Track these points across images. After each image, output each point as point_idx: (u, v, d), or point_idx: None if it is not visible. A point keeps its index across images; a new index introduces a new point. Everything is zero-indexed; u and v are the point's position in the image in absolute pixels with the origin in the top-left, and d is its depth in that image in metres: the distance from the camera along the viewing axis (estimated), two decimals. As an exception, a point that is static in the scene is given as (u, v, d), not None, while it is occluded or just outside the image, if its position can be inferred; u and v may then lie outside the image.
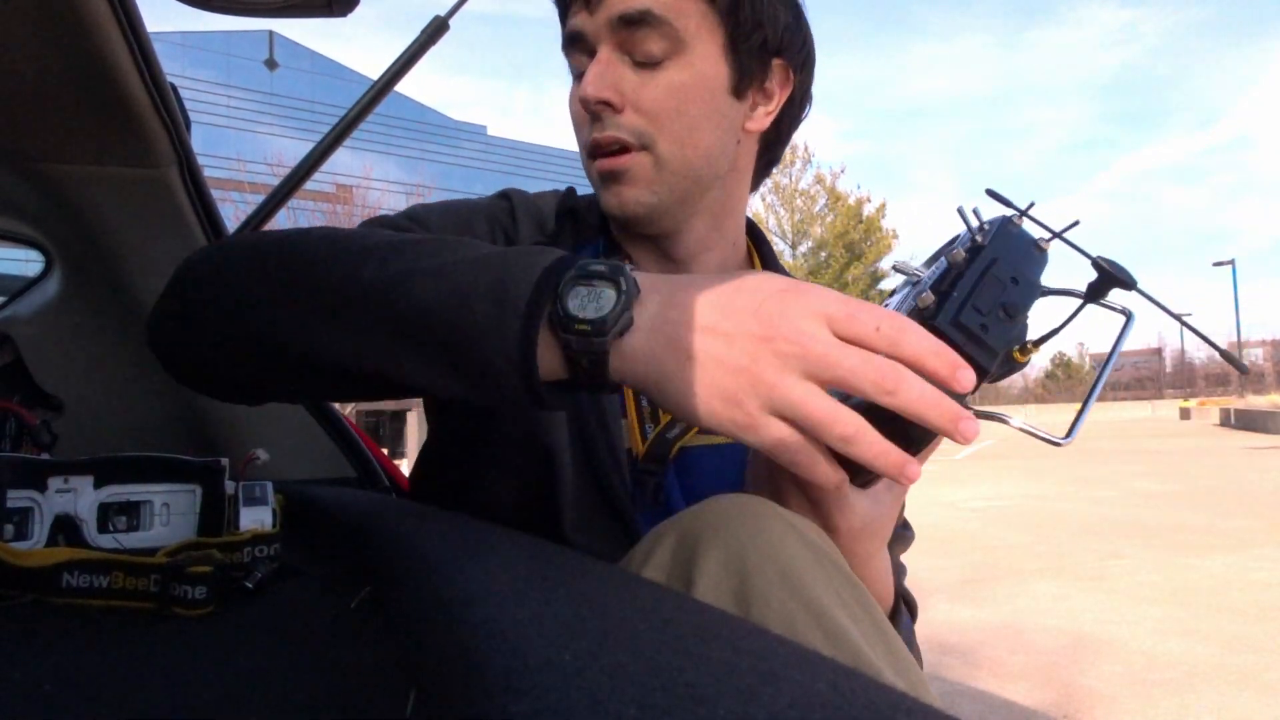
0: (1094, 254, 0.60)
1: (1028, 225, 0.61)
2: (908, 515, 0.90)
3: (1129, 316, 0.60)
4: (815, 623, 0.44)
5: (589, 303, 0.48)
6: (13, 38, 0.70)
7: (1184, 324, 0.63)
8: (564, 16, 0.75)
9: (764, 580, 0.45)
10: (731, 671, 0.23)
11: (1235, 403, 27.79)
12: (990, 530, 6.25)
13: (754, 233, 0.88)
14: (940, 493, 8.37)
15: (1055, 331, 0.57)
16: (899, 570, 0.87)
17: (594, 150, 0.73)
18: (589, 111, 0.72)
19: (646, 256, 0.81)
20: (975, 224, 0.60)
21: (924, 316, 0.54)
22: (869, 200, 23.13)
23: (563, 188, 0.88)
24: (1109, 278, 0.58)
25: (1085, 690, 2.84)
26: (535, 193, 0.86)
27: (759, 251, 0.87)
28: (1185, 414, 30.79)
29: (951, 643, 3.36)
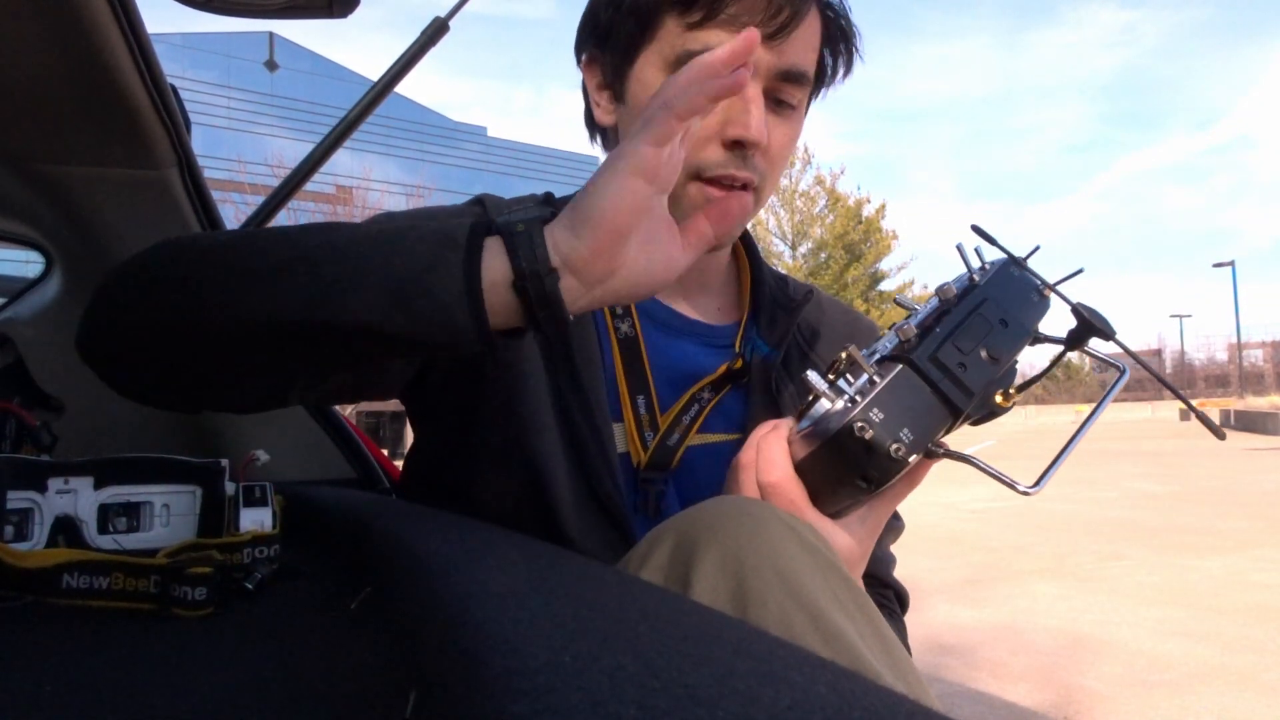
0: (1075, 301, 0.59)
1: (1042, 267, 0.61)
2: (904, 511, 0.90)
3: (1123, 372, 0.60)
4: (813, 624, 0.44)
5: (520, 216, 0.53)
6: (13, 39, 0.70)
7: (1160, 379, 0.63)
8: (705, 17, 0.68)
9: (761, 582, 0.45)
10: (731, 673, 0.23)
11: (1235, 404, 27.81)
12: (990, 531, 6.25)
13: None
14: (940, 493, 8.37)
15: (1036, 379, 0.57)
16: (888, 560, 0.87)
17: (718, 180, 0.71)
18: (747, 151, 0.70)
19: None
20: (976, 263, 0.59)
21: (904, 350, 0.54)
22: (869, 201, 23.13)
23: (563, 190, 0.88)
24: (1088, 327, 0.58)
25: (1085, 691, 2.84)
26: (513, 198, 0.85)
27: (744, 245, 0.88)
28: (1185, 415, 30.80)
29: (951, 644, 3.36)
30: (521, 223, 0.52)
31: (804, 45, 0.71)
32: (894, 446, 0.51)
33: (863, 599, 0.49)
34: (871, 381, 0.53)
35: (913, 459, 0.52)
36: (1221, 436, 0.62)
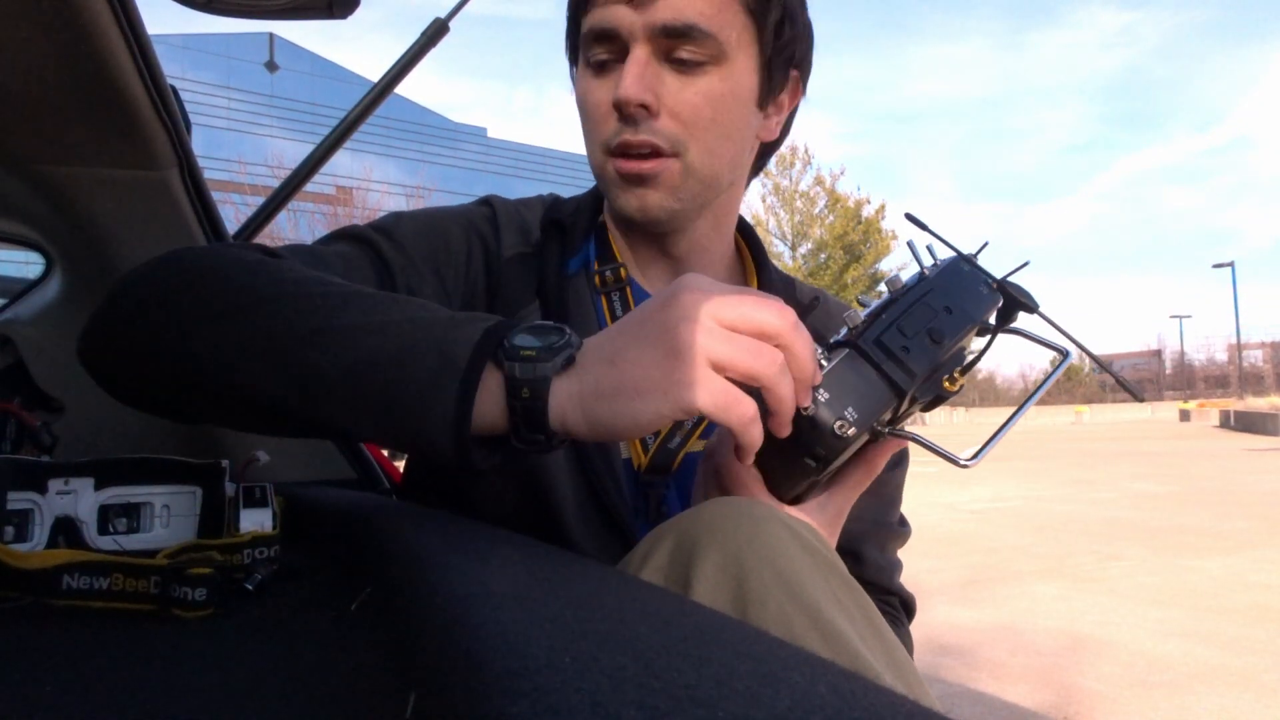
0: (999, 277, 0.61)
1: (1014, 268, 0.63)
2: (905, 513, 0.90)
3: (1065, 355, 0.62)
4: (813, 625, 0.44)
5: (534, 340, 0.50)
6: (13, 40, 0.70)
7: (1083, 349, 0.62)
8: (585, 3, 0.72)
9: (761, 583, 0.45)
10: (731, 674, 0.23)
11: (1235, 405, 27.80)
12: (990, 531, 6.24)
13: (745, 230, 0.88)
14: (939, 494, 8.37)
15: (977, 358, 0.58)
16: (892, 567, 0.87)
17: (621, 150, 0.71)
18: (625, 112, 0.70)
19: (643, 256, 0.81)
20: (929, 261, 0.61)
21: (852, 335, 0.57)
22: (868, 202, 23.12)
23: (563, 190, 0.88)
24: (1013, 302, 0.60)
25: (1085, 692, 2.83)
26: (520, 199, 0.85)
27: (750, 248, 0.88)
28: (1185, 416, 30.78)
29: (951, 644, 3.36)
30: (532, 361, 0.50)
31: (688, 1, 0.68)
32: (838, 424, 0.54)
33: (863, 599, 0.49)
34: (820, 365, 0.55)
35: (853, 433, 0.55)
36: (1141, 398, 0.64)
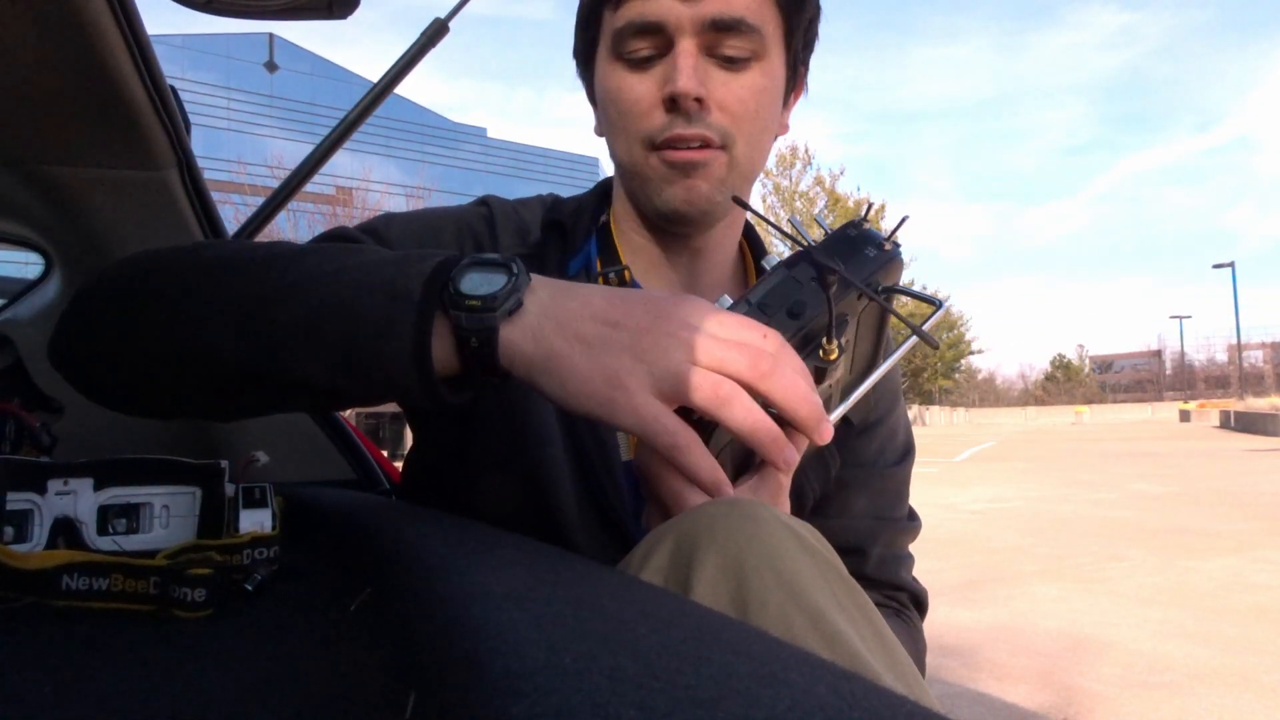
0: (815, 243, 0.61)
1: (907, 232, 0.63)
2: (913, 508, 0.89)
3: (939, 305, 0.62)
4: (813, 626, 0.44)
5: (481, 285, 0.49)
6: (13, 40, 0.70)
7: (881, 304, 0.60)
8: None
9: (761, 584, 0.45)
10: (731, 674, 0.23)
11: (1235, 405, 27.80)
12: (990, 532, 6.24)
13: (746, 227, 0.89)
14: (940, 494, 8.37)
15: (828, 327, 0.57)
16: (900, 560, 0.86)
17: (669, 144, 0.71)
18: (682, 106, 0.69)
19: (650, 257, 0.81)
20: (811, 238, 0.61)
21: None
22: (869, 203, 23.13)
23: (563, 190, 0.88)
24: (823, 267, 0.58)
25: (1085, 692, 2.83)
26: (518, 200, 0.85)
27: (751, 247, 0.88)
28: (1185, 416, 30.79)
29: (951, 645, 3.36)
30: (477, 311, 0.49)
31: None
32: None
33: (863, 600, 0.49)
34: None
35: None
36: (935, 346, 0.63)
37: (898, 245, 0.62)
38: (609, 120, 0.75)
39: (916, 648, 0.77)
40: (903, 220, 0.63)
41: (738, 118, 0.71)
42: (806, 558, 0.47)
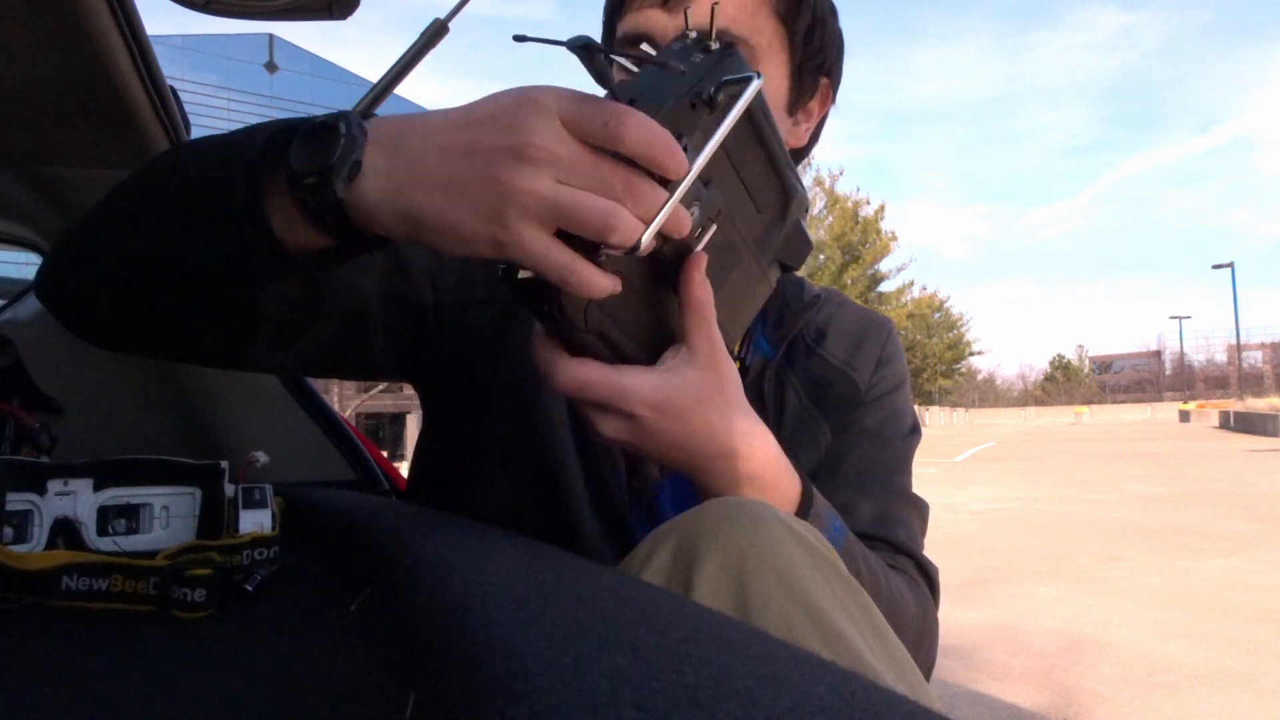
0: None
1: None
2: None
3: (753, 77, 0.54)
4: (814, 625, 0.44)
5: (315, 156, 0.46)
6: (13, 40, 0.70)
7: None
8: (620, 9, 0.73)
9: (762, 583, 0.45)
10: (731, 675, 0.23)
11: (1234, 405, 27.80)
12: (989, 533, 6.24)
13: None
14: (939, 495, 8.37)
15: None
16: (898, 521, 0.79)
17: None
18: None
19: None
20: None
21: None
22: (867, 203, 23.09)
23: None
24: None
25: (1085, 693, 2.83)
26: None
27: None
28: (1185, 417, 30.78)
29: (951, 645, 3.35)
30: (316, 189, 0.45)
31: (720, 7, 0.68)
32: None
33: (864, 600, 0.49)
34: None
35: None
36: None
37: (729, 45, 0.55)
38: None
39: (926, 621, 0.72)
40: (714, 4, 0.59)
41: None
42: (808, 557, 0.47)
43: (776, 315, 0.82)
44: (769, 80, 0.73)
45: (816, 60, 0.77)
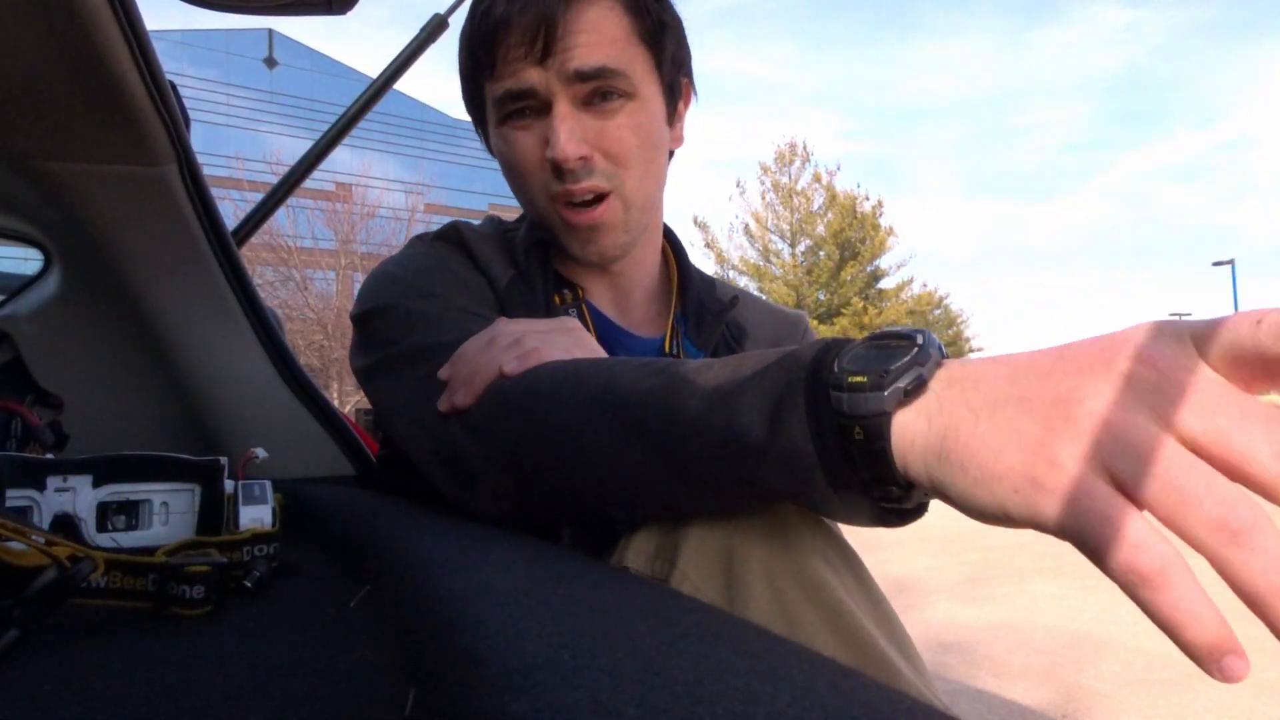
0: None
1: None
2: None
3: None
4: (806, 597, 0.44)
5: (870, 360, 0.38)
6: (11, 36, 0.70)
7: None
8: (493, 70, 0.73)
9: (747, 568, 0.45)
10: (730, 671, 0.23)
11: (1234, 402, 27.74)
12: (989, 529, 6.24)
13: (667, 233, 0.91)
14: (939, 492, 8.36)
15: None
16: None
17: (565, 199, 0.74)
18: (566, 168, 0.72)
19: (592, 278, 0.83)
20: None
21: None
22: (866, 199, 23.05)
23: None
24: None
25: (1085, 689, 2.84)
26: (480, 223, 0.87)
27: (675, 254, 0.90)
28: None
29: (951, 642, 3.36)
30: (865, 373, 0.38)
31: (587, 46, 0.71)
32: None
33: (857, 565, 0.49)
34: None
35: None
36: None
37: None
38: (509, 178, 0.79)
39: None
40: None
41: (621, 159, 0.74)
42: (804, 529, 0.47)
43: (696, 318, 0.84)
44: (649, 102, 0.75)
45: (679, 68, 0.80)
